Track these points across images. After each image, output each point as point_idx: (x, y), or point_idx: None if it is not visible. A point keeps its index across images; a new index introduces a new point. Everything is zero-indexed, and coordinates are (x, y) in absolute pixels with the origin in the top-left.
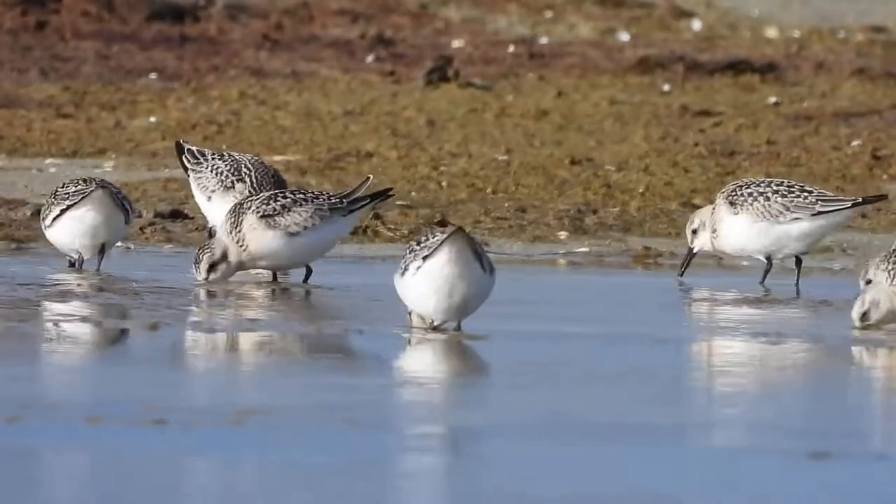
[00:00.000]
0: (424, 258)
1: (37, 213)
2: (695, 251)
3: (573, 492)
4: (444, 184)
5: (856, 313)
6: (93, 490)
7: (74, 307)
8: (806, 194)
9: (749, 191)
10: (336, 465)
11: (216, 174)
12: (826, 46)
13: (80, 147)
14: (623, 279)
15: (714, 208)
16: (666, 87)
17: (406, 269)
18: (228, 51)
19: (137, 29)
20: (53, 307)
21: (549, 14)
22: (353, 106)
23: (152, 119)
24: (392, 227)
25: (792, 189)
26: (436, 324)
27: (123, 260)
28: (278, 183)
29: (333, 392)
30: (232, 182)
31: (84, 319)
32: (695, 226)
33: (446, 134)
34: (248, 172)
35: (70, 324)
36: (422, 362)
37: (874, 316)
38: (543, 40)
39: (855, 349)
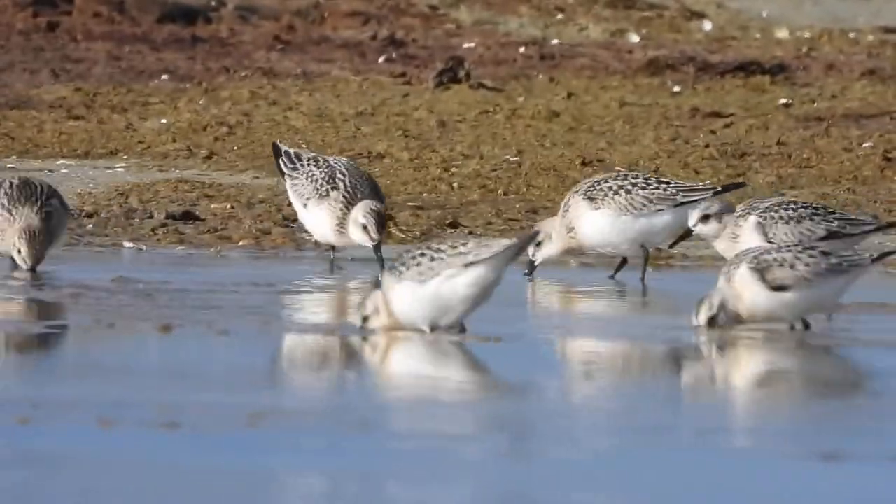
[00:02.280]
0: (467, 265)
1: None
2: (536, 263)
3: (587, 497)
4: (455, 185)
5: (703, 318)
6: (104, 492)
7: (86, 308)
8: (665, 185)
9: (608, 185)
10: (351, 469)
11: (311, 181)
12: (837, 47)
13: (91, 148)
14: (635, 280)
15: (565, 210)
16: (676, 89)
17: (435, 275)
18: (240, 52)
19: (149, 30)
20: (64, 308)
21: (559, 16)
22: (364, 107)
23: (163, 120)
24: (404, 228)
25: (649, 181)
26: (439, 328)
27: (135, 261)
28: (373, 187)
29: (348, 394)
30: (327, 190)
31: (96, 321)
32: (539, 238)
33: (457, 135)
34: (342, 178)
35: (81, 325)
36: (436, 365)
37: (721, 320)
38: (554, 42)
39: (869, 350)
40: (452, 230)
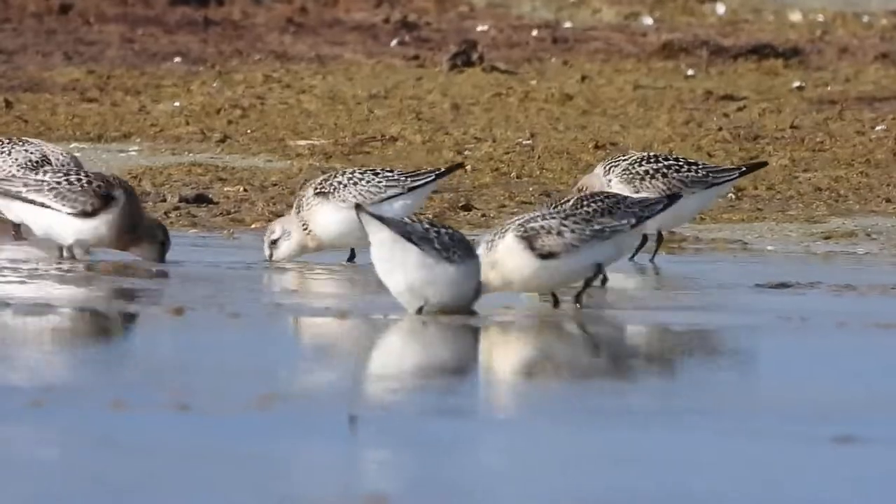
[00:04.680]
0: None
1: None
2: None
3: (604, 484)
4: (468, 168)
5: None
6: (116, 475)
7: (98, 291)
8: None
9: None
10: (359, 451)
11: None
12: (850, 31)
13: (104, 131)
14: (648, 263)
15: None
16: (690, 72)
17: None
18: (252, 35)
19: (161, 13)
20: (76, 291)
21: None
22: (377, 90)
23: (177, 103)
24: (416, 210)
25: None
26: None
27: None
28: None
29: (357, 378)
30: None
31: (108, 304)
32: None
33: (471, 118)
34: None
35: (94, 308)
36: (445, 349)
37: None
38: (567, 25)
39: (884, 332)
40: (465, 213)
